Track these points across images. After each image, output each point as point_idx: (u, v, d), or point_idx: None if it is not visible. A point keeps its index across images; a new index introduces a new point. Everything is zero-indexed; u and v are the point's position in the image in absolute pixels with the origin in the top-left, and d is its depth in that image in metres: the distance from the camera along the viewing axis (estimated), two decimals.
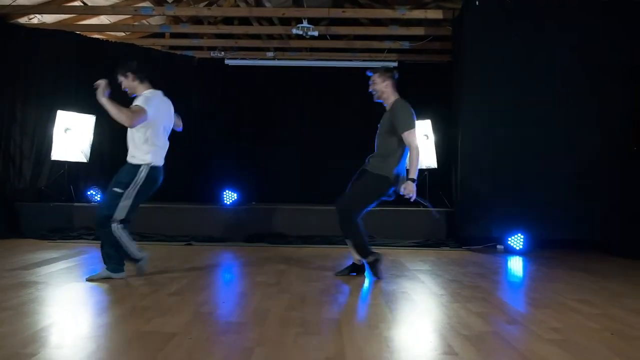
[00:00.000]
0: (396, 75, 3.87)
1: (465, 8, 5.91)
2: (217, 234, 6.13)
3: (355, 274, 3.91)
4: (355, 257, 3.88)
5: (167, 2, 7.10)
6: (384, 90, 3.82)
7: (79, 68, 7.22)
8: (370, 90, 3.87)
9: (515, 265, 4.84)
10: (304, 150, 8.30)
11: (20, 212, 6.32)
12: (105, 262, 3.62)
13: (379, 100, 3.87)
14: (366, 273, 3.88)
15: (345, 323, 2.60)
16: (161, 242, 5.89)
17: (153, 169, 3.61)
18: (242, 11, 6.77)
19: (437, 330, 2.48)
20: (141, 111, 3.46)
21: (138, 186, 3.54)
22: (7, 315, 2.62)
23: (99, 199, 6.68)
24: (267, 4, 6.64)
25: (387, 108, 3.89)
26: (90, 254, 4.90)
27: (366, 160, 3.91)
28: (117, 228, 3.53)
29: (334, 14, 6.44)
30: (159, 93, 3.71)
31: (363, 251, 3.78)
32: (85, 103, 7.12)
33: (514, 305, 3.10)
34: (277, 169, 8.25)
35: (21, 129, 6.82)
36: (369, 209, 3.81)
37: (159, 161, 3.69)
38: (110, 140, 7.46)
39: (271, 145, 8.40)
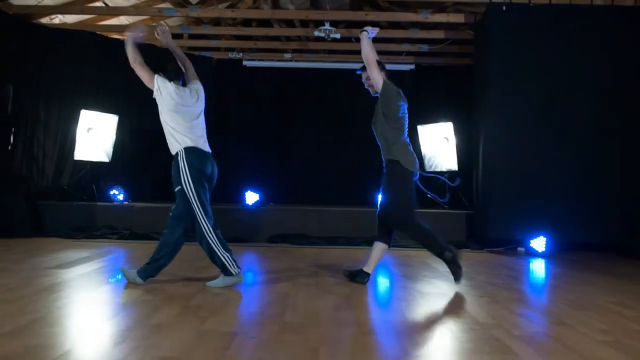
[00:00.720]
0: (385, 66, 3.82)
1: (489, 12, 5.96)
2: (240, 234, 6.17)
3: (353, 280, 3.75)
4: (369, 266, 3.76)
5: (191, 4, 7.14)
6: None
7: (101, 68, 7.27)
8: (366, 87, 3.83)
9: (542, 267, 4.89)
10: (323, 150, 8.37)
11: (43, 211, 6.36)
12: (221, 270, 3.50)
13: (376, 95, 3.75)
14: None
15: (398, 323, 2.65)
16: (186, 242, 5.93)
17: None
18: (265, 13, 6.82)
19: (488, 331, 2.53)
20: (148, 71, 3.53)
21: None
22: (63, 314, 2.68)
23: (121, 198, 6.74)
24: (290, 7, 6.69)
25: None
26: (119, 253, 4.96)
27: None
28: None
29: (357, 17, 6.49)
30: (182, 88, 3.64)
31: (437, 250, 3.66)
32: (108, 102, 7.20)
33: (553, 307, 3.14)
34: (297, 170, 8.31)
35: (44, 128, 6.86)
36: (413, 203, 3.69)
37: (194, 143, 3.51)
38: (132, 140, 7.54)
39: (291, 145, 8.46)
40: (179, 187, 3.45)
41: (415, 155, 3.75)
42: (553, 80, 5.75)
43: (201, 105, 3.73)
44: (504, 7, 5.60)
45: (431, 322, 2.71)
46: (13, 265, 4.07)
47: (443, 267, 4.48)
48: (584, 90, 5.76)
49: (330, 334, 2.40)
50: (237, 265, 3.50)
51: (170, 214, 3.54)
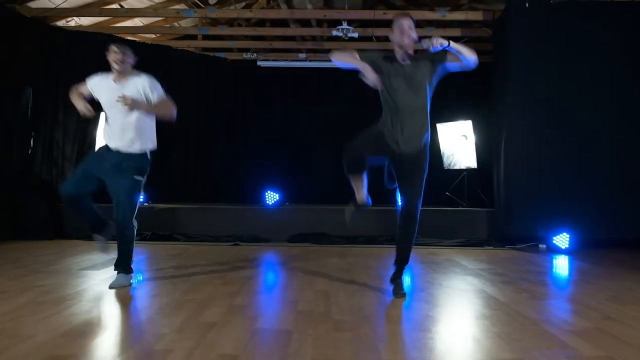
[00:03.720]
0: None
1: (509, 9, 5.97)
2: (260, 234, 6.18)
3: None
4: None
5: (209, 5, 7.15)
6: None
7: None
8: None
9: (571, 264, 4.87)
10: (340, 149, 8.37)
11: (63, 213, 6.35)
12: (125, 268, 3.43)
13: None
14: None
15: (446, 319, 2.65)
16: (206, 242, 5.95)
17: None
18: (283, 13, 6.82)
19: (540, 326, 2.53)
20: None
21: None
22: (109, 315, 2.68)
23: (141, 199, 6.72)
24: (309, 6, 6.68)
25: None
26: (144, 255, 4.96)
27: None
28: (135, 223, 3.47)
29: (375, 16, 6.50)
30: None
31: None
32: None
33: (596, 302, 3.12)
34: (315, 169, 8.32)
35: (63, 131, 6.87)
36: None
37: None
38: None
39: (308, 145, 8.46)
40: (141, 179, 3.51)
41: None
42: (576, 76, 5.75)
43: None
44: (527, 4, 5.60)
45: (478, 318, 2.71)
46: (46, 267, 4.08)
47: (471, 264, 4.51)
48: (607, 86, 5.75)
49: (391, 331, 2.41)
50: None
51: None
